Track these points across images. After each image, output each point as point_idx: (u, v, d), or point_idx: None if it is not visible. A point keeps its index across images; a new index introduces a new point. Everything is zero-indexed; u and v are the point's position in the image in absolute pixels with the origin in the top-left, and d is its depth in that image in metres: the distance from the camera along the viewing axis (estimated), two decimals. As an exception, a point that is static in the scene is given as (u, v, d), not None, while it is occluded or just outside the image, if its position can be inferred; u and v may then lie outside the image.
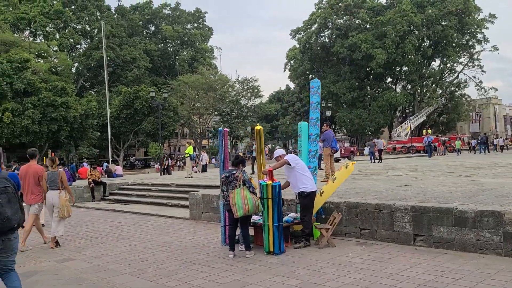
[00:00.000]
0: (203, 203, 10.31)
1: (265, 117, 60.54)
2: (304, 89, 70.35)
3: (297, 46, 66.25)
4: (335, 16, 57.59)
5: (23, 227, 4.38)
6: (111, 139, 41.62)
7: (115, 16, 61.19)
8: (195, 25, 72.55)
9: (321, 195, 7.27)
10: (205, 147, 55.43)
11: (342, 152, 41.54)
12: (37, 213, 8.38)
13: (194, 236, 8.46)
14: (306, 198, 6.86)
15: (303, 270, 5.58)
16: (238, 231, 6.82)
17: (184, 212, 11.61)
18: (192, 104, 50.40)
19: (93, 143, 43.15)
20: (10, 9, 50.50)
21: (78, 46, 59.60)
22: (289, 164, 6.87)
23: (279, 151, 7.36)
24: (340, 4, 55.19)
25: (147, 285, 5.37)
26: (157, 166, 41.43)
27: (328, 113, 48.26)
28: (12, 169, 21.14)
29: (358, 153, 47.50)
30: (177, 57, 68.72)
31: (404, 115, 67.03)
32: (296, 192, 7.06)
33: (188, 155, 19.01)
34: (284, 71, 74.35)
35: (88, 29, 58.70)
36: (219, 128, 7.89)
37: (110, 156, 39.90)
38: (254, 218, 7.06)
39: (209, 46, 73.03)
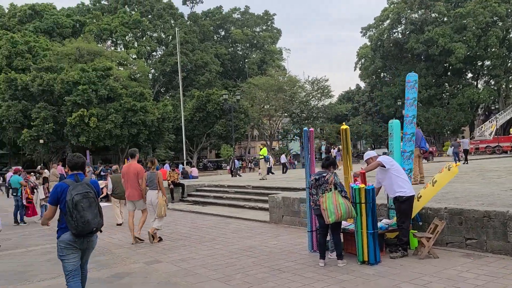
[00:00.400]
0: (284, 206, 10.01)
1: (334, 117, 59.20)
2: (375, 88, 67.93)
3: (368, 44, 64.20)
4: (409, 11, 54.94)
5: (101, 231, 4.58)
6: (185, 142, 42.97)
7: (188, 22, 63.33)
8: (264, 27, 73.03)
9: (418, 200, 6.62)
10: (275, 148, 55.36)
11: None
12: (144, 207, 8.88)
13: (278, 241, 8.16)
14: (404, 203, 6.27)
15: (407, 284, 5.03)
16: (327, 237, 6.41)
17: (263, 215, 11.40)
18: (262, 106, 50.58)
19: (169, 145, 44.87)
20: (94, 21, 54.22)
21: (154, 53, 62.54)
22: (383, 166, 6.33)
23: (370, 153, 6.85)
24: (414, -2, 52.54)
25: (238, 293, 5.14)
26: (228, 167, 42.11)
27: (404, 112, 45.79)
28: (99, 170, 22.44)
29: (436, 154, 44.86)
30: (246, 60, 69.60)
31: (487, 112, 62.23)
32: (392, 197, 6.48)
33: (263, 156, 18.89)
34: (354, 70, 72.60)
35: (163, 36, 61.37)
36: (304, 128, 7.51)
37: (184, 158, 41.12)
38: (344, 224, 6.60)
39: (278, 48, 73.16)
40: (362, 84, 77.98)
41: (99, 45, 50.25)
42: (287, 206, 9.88)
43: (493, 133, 51.12)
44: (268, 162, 19.95)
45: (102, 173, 22.00)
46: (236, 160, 32.84)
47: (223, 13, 70.61)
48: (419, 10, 55.57)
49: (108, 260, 7.37)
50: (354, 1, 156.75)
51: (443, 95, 59.91)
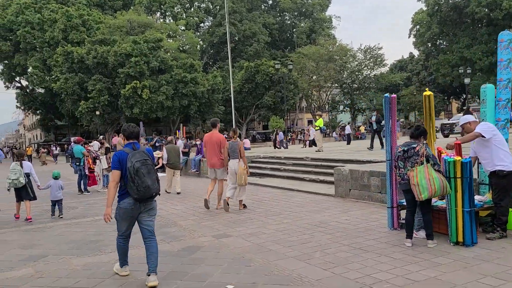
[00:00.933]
0: (351, 180, 9.44)
1: (385, 88, 56.56)
2: (430, 56, 64.27)
3: (424, 9, 60.42)
4: (470, -29, 50.82)
5: (159, 194, 4.90)
6: (234, 113, 42.81)
7: (236, -9, 62.18)
8: (313, -6, 70.43)
9: (518, 175, 5.84)
10: (331, 119, 54.13)
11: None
12: (224, 177, 9.09)
13: (349, 217, 7.66)
14: (505, 178, 5.53)
15: (520, 271, 4.40)
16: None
17: (325, 188, 10.92)
18: (311, 76, 49.24)
19: (218, 117, 44.93)
20: (144, -7, 54.36)
21: (202, 24, 62.20)
22: (483, 136, 5.57)
23: (468, 117, 6.01)
24: (478, -43, 48.40)
25: (323, 274, 4.72)
26: (272, 139, 41.68)
27: (467, 81, 43.06)
28: (154, 141, 22.71)
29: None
30: (294, 29, 67.78)
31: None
32: (490, 170, 5.73)
33: (318, 128, 18.22)
34: (408, 38, 68.96)
35: (211, 7, 60.75)
36: (385, 95, 6.83)
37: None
38: (432, 200, 5.96)
39: (327, 15, 70.50)
40: (416, 53, 74.20)
41: (149, 17, 50.52)
42: (355, 179, 9.31)
43: None
44: (324, 133, 19.28)
45: (157, 144, 22.26)
46: (280, 132, 32.33)
47: (271, -20, 68.67)
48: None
49: (175, 233, 7.19)
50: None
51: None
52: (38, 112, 58.68)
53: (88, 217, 9.18)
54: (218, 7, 58.40)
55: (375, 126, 17.05)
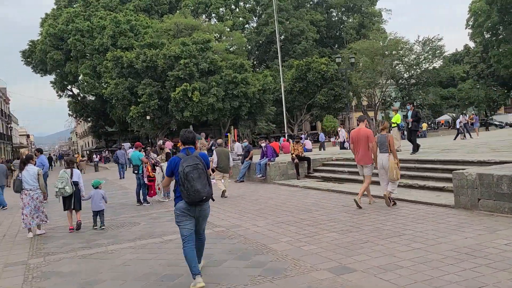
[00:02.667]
0: (480, 187, 7.35)
1: (439, 83, 52.42)
2: (489, 47, 59.62)
3: (483, -3, 56.09)
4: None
5: (213, 199, 5.12)
6: (286, 114, 41.09)
7: (282, -11, 60.49)
8: (361, -12, 67.46)
9: None
10: (383, 117, 51.08)
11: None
12: (369, 174, 8.79)
13: (505, 239, 5.62)
14: None
15: None
16: None
17: (434, 196, 8.90)
18: (366, 73, 46.48)
19: (270, 118, 43.33)
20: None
21: (247, 25, 60.93)
22: None
23: None
24: None
25: None
26: (333, 140, 39.51)
27: None
28: (209, 145, 21.29)
29: None
30: (342, 26, 65.15)
31: None
32: None
33: (396, 124, 16.03)
34: (465, 28, 64.47)
35: (257, 8, 59.36)
36: None
37: (285, 131, 39.28)
38: None
39: (377, 9, 67.24)
40: (471, 44, 69.31)
41: (195, 19, 49.81)
42: (488, 186, 7.22)
43: None
44: (402, 131, 17.06)
45: (212, 148, 20.85)
46: (321, 133, 30.14)
47: (317, -24, 66.39)
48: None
49: (274, 263, 5.46)
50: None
51: None
52: (89, 119, 59.58)
53: (155, 237, 7.66)
54: (263, 6, 56.92)
55: (410, 125, 14.10)
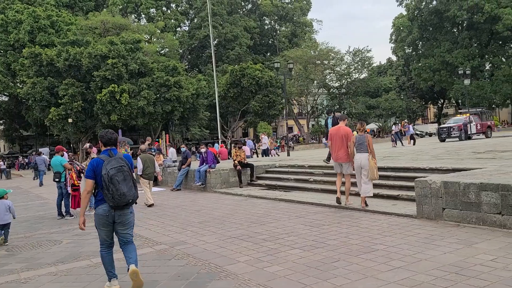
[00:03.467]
0: (445, 195, 6.96)
1: (365, 93, 54.56)
2: (410, 61, 63.51)
3: (405, 13, 59.65)
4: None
5: (136, 203, 4.66)
6: (219, 120, 40.09)
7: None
8: (294, -1, 68.80)
9: None
10: (314, 125, 51.97)
11: (478, 127, 35.83)
12: (349, 172, 8.82)
13: (484, 253, 5.15)
14: None
15: None
16: None
17: (391, 205, 8.46)
18: (299, 80, 46.98)
19: (203, 123, 42.00)
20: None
21: (178, 29, 59.17)
22: None
23: None
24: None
25: None
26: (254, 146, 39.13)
27: (467, 81, 40.90)
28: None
29: (495, 129, 41.38)
30: (275, 34, 65.79)
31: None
32: None
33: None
34: (389, 42, 68.27)
35: (190, 10, 57.93)
36: None
37: (219, 137, 38.26)
38: None
39: (308, 19, 68.88)
40: (394, 58, 73.52)
41: (124, 18, 47.21)
42: (454, 195, 6.82)
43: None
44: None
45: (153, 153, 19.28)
46: (264, 136, 29.76)
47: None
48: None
49: (237, 292, 4.49)
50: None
51: (489, 66, 55.68)
52: (1, 122, 54.09)
53: (82, 259, 6.33)
54: (196, 9, 55.71)
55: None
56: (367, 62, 48.03)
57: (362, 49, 47.30)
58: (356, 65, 47.99)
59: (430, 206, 7.22)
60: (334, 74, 47.33)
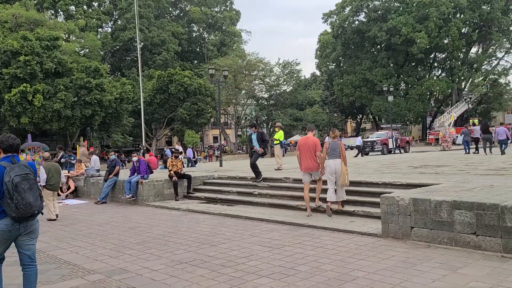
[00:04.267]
0: (414, 213, 6.52)
1: (289, 105, 55.50)
2: (333, 77, 66.16)
3: (329, 30, 62.10)
4: (371, -2, 53.31)
5: (42, 213, 4.30)
6: (144, 127, 37.95)
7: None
8: (223, 8, 68.44)
9: None
10: (240, 136, 51.51)
11: (398, 142, 37.83)
12: (318, 177, 8.97)
13: (475, 282, 4.68)
14: None
15: None
16: None
17: (348, 222, 7.95)
18: (228, 89, 46.31)
19: (126, 130, 39.45)
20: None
21: (100, 29, 55.70)
22: None
23: None
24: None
25: None
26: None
27: (390, 98, 42.94)
28: (59, 157, 17.56)
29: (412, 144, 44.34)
30: (203, 41, 64.77)
31: (440, 104, 62.82)
32: None
33: (278, 141, 15.25)
34: (315, 57, 70.55)
35: (114, 11, 54.86)
36: None
37: (143, 145, 36.12)
38: None
39: (237, 29, 68.85)
40: (318, 73, 76.20)
41: (39, 13, 43.21)
42: (424, 213, 6.40)
43: (451, 124, 51.17)
44: (284, 149, 16.39)
45: (62, 160, 17.22)
46: (189, 149, 28.66)
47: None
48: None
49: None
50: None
51: (404, 85, 59.74)
52: None
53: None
54: (121, 10, 52.86)
55: (257, 145, 12.24)
56: (295, 75, 48.77)
57: (292, 62, 48.02)
58: (285, 77, 48.51)
59: (397, 224, 6.74)
60: (263, 85, 47.38)
